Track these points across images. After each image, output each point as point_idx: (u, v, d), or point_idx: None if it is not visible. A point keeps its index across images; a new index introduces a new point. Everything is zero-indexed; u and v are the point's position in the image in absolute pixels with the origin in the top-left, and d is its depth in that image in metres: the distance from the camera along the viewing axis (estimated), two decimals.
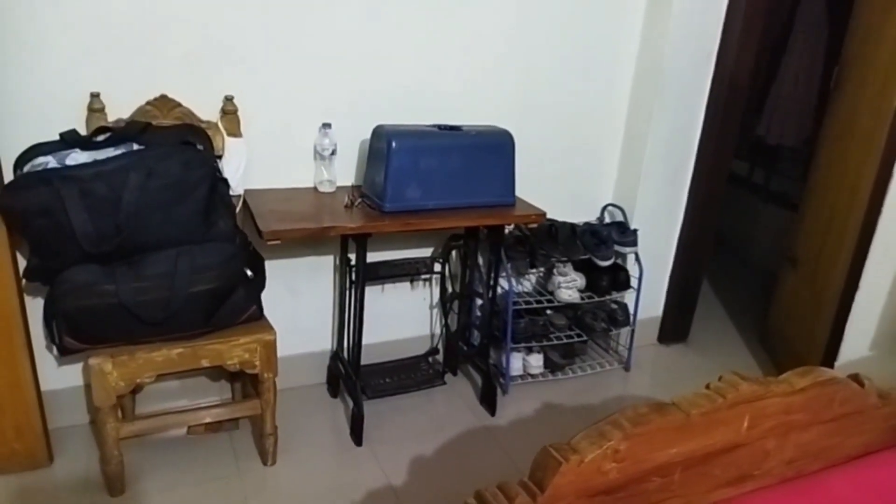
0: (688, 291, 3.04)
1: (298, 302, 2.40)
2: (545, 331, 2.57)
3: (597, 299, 2.67)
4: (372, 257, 2.21)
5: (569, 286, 2.57)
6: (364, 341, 2.22)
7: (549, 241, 2.52)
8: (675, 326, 3.09)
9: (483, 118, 2.36)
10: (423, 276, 2.58)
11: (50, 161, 1.67)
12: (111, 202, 1.64)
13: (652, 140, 2.68)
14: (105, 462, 1.87)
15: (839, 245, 2.50)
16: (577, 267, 2.66)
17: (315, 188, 2.25)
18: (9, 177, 1.74)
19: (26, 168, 1.68)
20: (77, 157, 1.69)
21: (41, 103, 1.85)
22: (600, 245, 2.60)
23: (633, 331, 2.79)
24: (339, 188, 2.25)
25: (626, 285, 2.73)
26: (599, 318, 2.69)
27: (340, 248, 2.32)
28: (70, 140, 1.73)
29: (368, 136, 2.16)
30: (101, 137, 1.74)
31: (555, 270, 2.62)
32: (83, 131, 1.84)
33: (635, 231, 2.71)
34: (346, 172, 2.32)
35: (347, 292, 2.30)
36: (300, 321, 2.41)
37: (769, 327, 3.07)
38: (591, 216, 2.84)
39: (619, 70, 2.67)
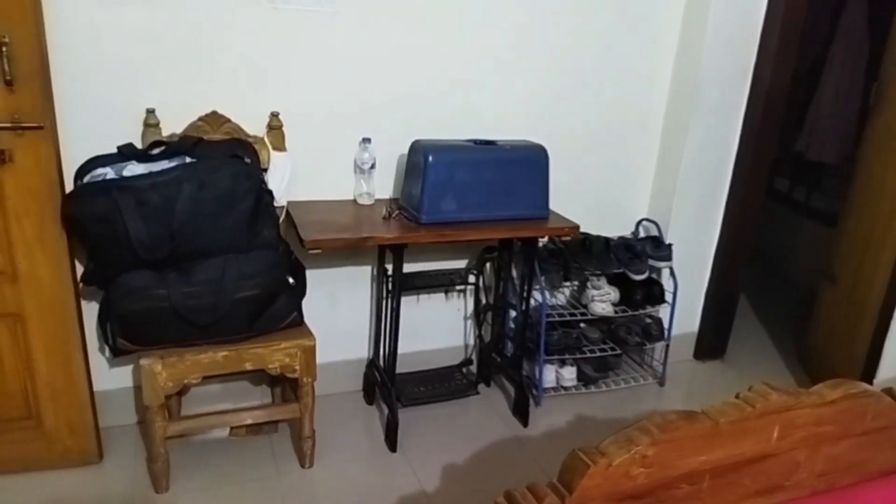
0: (724, 307, 3.02)
1: (337, 310, 2.48)
2: (578, 343, 2.59)
3: (630, 313, 2.68)
4: (408, 268, 2.27)
5: (602, 299, 2.59)
6: (399, 350, 2.28)
7: (582, 254, 2.55)
8: (711, 342, 3.07)
9: (518, 133, 2.41)
10: (458, 288, 2.63)
11: (108, 172, 1.78)
12: (165, 211, 1.74)
13: (687, 155, 2.69)
14: (152, 459, 1.96)
15: (878, 262, 2.47)
16: (611, 281, 2.67)
17: (354, 200, 2.33)
18: (69, 187, 1.86)
19: (86, 178, 1.79)
20: (134, 168, 1.79)
21: (101, 118, 1.97)
22: (634, 259, 2.61)
23: (667, 346, 2.79)
24: (377, 201, 2.32)
25: (660, 300, 2.73)
26: (633, 332, 2.70)
27: (378, 258, 2.38)
28: (127, 153, 1.84)
29: (406, 150, 2.23)
30: (156, 151, 1.85)
31: (588, 284, 2.64)
32: (139, 145, 1.96)
33: (670, 246, 2.71)
34: (384, 185, 2.39)
35: (384, 302, 2.36)
36: (338, 329, 2.48)
37: (807, 344, 3.02)
38: (626, 230, 2.86)
39: (655, 85, 2.70)
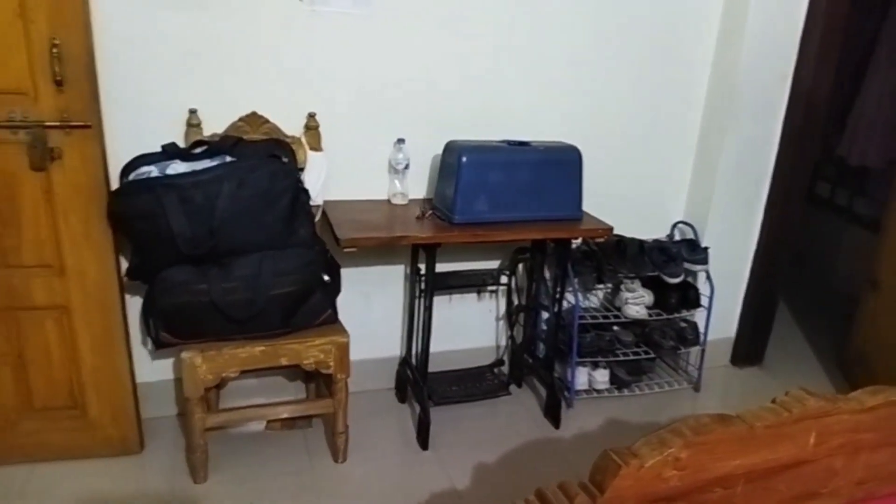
0: (763, 313, 2.97)
1: (370, 309, 2.51)
2: (611, 346, 2.58)
3: (665, 317, 2.65)
4: (441, 268, 2.29)
5: (636, 302, 2.57)
6: (431, 349, 2.30)
7: (616, 256, 2.53)
8: (748, 348, 3.01)
9: (552, 134, 2.41)
10: (490, 288, 2.64)
11: (153, 170, 1.84)
12: (206, 209, 1.79)
13: (725, 158, 2.66)
14: (191, 450, 2.01)
15: None
16: (646, 284, 2.65)
17: (389, 200, 2.35)
18: (114, 184, 1.92)
19: (131, 176, 1.85)
20: (177, 167, 1.85)
21: (145, 118, 2.03)
22: (669, 262, 2.59)
23: (703, 350, 2.75)
24: (411, 201, 2.34)
25: (696, 304, 2.69)
26: (668, 336, 2.67)
27: (411, 257, 2.40)
28: (171, 151, 1.90)
29: (440, 151, 2.25)
30: (198, 150, 1.91)
31: (622, 286, 2.62)
32: (182, 144, 2.02)
33: (706, 249, 2.68)
34: (417, 186, 2.41)
35: (416, 301, 2.38)
36: (371, 327, 2.51)
37: (848, 352, 2.95)
38: (660, 233, 2.83)
39: (692, 86, 2.67)
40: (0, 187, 1.80)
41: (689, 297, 2.69)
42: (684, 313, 2.71)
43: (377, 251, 2.42)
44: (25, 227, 1.84)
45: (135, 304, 2.12)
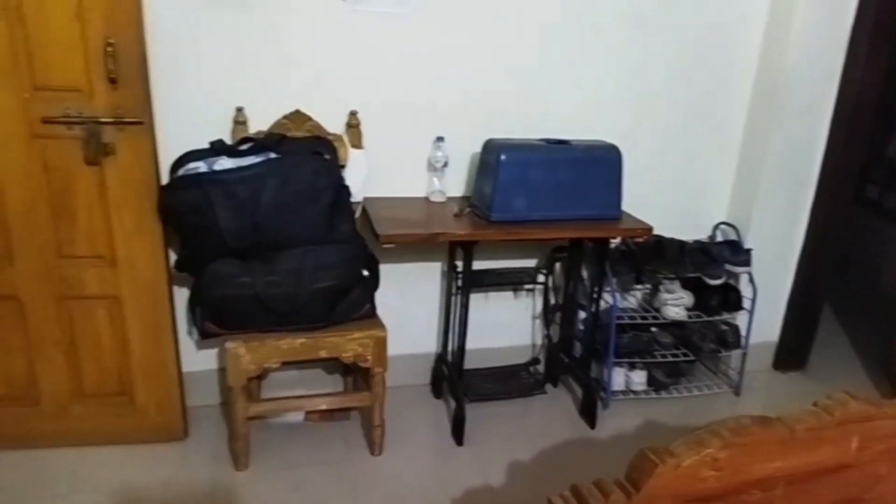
0: (807, 317, 2.90)
1: (407, 305, 2.53)
2: (649, 347, 2.55)
3: (705, 319, 2.61)
4: (477, 266, 2.30)
5: (676, 304, 2.54)
6: (467, 346, 2.31)
7: (655, 256, 2.51)
8: (791, 353, 2.95)
9: (592, 133, 2.40)
10: (527, 287, 2.64)
11: (201, 166, 1.90)
12: (251, 203, 1.84)
13: (770, 158, 2.61)
14: (233, 438, 2.07)
15: None
16: (686, 285, 2.62)
17: (427, 198, 2.38)
18: (164, 179, 1.99)
19: (181, 172, 1.91)
20: (224, 163, 1.90)
21: (194, 115, 2.09)
22: (710, 263, 2.55)
23: (744, 354, 2.70)
24: (448, 198, 2.36)
25: (737, 306, 2.65)
26: (708, 339, 2.63)
27: (448, 255, 2.42)
28: (218, 148, 1.95)
29: (479, 149, 2.26)
30: (244, 147, 1.96)
31: (661, 287, 2.59)
32: (229, 141, 2.07)
33: (749, 251, 2.63)
34: (455, 183, 2.43)
35: (453, 298, 2.40)
36: (408, 323, 2.53)
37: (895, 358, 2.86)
38: (702, 234, 2.79)
39: (736, 85, 2.63)
40: (56, 181, 1.88)
41: (730, 299, 2.64)
42: (725, 316, 2.66)
43: (415, 248, 2.45)
44: (80, 220, 1.92)
45: (181, 295, 2.19)
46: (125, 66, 1.80)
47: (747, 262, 2.61)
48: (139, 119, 1.85)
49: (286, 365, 2.07)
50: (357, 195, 2.18)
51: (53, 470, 2.04)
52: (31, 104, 1.79)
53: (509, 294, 2.65)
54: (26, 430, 2.09)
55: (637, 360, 2.57)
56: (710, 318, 2.63)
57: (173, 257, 2.11)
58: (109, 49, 1.77)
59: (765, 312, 2.75)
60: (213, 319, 1.95)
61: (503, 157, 2.09)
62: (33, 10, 1.72)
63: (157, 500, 1.96)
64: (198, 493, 1.99)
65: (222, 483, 2.04)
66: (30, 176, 1.85)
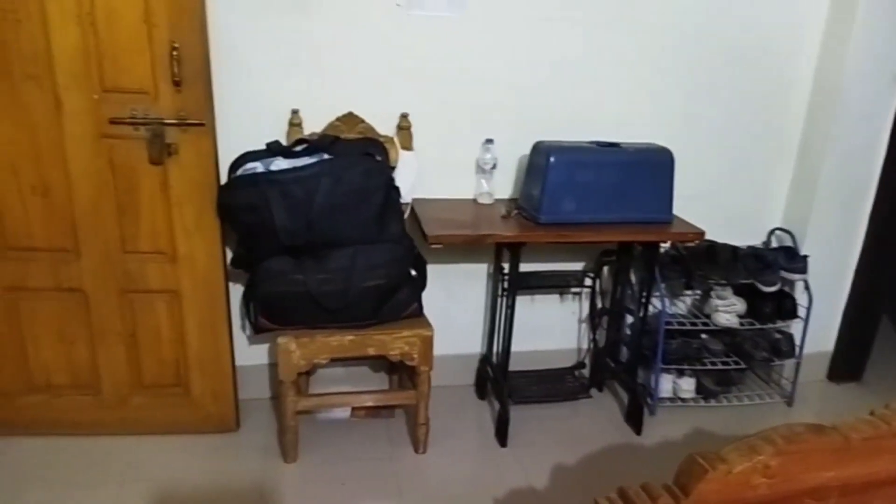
0: (864, 326, 2.81)
1: (453, 305, 2.55)
2: (699, 354, 2.51)
3: (758, 326, 2.55)
4: (524, 268, 2.29)
5: (727, 310, 2.49)
6: (512, 348, 2.31)
7: (707, 262, 2.46)
8: (847, 363, 2.85)
9: (643, 136, 2.38)
10: (573, 290, 2.63)
11: (258, 166, 1.96)
12: (305, 203, 1.89)
13: (828, 162, 2.54)
14: (283, 431, 2.12)
15: None
16: (738, 291, 2.56)
17: (475, 199, 2.39)
18: (223, 178, 2.06)
19: (239, 172, 1.98)
20: (279, 163, 1.96)
21: (252, 117, 2.17)
22: (765, 270, 2.49)
23: (798, 363, 2.63)
24: (496, 200, 2.38)
25: (792, 314, 2.58)
26: (760, 347, 2.57)
27: (495, 256, 2.44)
28: (274, 149, 2.01)
29: (527, 151, 2.27)
30: (299, 148, 2.01)
31: (712, 293, 2.55)
32: (284, 142, 2.13)
33: (805, 257, 2.56)
34: (503, 186, 2.44)
35: (499, 300, 2.41)
36: (453, 324, 2.55)
37: None
38: (755, 240, 2.73)
39: (794, 88, 2.57)
40: (122, 179, 1.97)
41: (784, 307, 2.58)
42: (779, 324, 2.60)
43: (462, 249, 2.47)
44: (143, 217, 2.01)
45: (236, 291, 2.27)
46: (189, 69, 1.88)
47: (803, 270, 2.54)
48: (201, 121, 1.92)
49: (334, 362, 2.11)
50: (406, 196, 2.21)
51: (112, 457, 2.13)
52: (100, 105, 1.89)
53: (555, 297, 2.65)
54: (88, 417, 2.19)
55: (686, 366, 2.53)
56: (763, 326, 2.57)
57: (229, 254, 2.18)
58: (174, 53, 1.84)
59: (820, 321, 2.67)
60: (266, 315, 2.01)
61: (552, 158, 2.09)
62: (104, 16, 1.81)
63: (209, 488, 2.03)
64: (249, 484, 2.05)
65: (272, 474, 2.10)
66: (97, 174, 1.95)
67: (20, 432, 2.16)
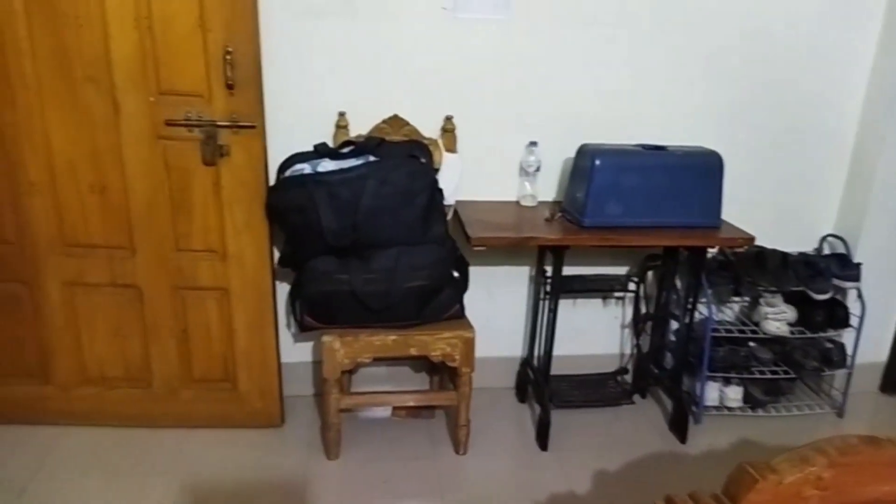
0: None
1: (494, 308, 2.55)
2: (747, 363, 2.45)
3: (809, 335, 2.48)
4: (567, 271, 2.28)
5: (777, 318, 2.43)
6: (554, 352, 2.30)
7: (756, 268, 2.41)
8: None
9: (690, 139, 2.34)
10: (617, 294, 2.60)
11: (306, 168, 1.99)
12: (352, 204, 1.92)
13: (884, 168, 2.46)
14: (326, 428, 2.16)
15: None
16: (788, 299, 2.50)
17: (517, 202, 2.39)
18: (271, 179, 2.10)
19: (287, 173, 2.02)
20: (326, 165, 1.99)
21: (299, 119, 2.21)
22: (816, 277, 2.42)
23: (849, 374, 2.55)
24: (539, 203, 2.37)
25: (844, 323, 2.50)
26: (811, 356, 2.50)
27: (537, 259, 2.43)
28: (321, 151, 2.05)
29: (571, 154, 2.26)
30: (345, 150, 2.04)
31: (761, 300, 2.49)
32: (331, 144, 2.17)
33: (858, 265, 2.48)
34: (546, 188, 2.43)
35: (541, 303, 2.40)
36: (494, 326, 2.55)
37: None
38: (806, 246, 2.65)
39: (848, 90, 2.49)
40: (176, 179, 2.03)
41: (836, 315, 2.50)
42: (830, 333, 2.52)
43: (504, 251, 2.46)
44: (196, 216, 2.07)
45: (282, 289, 2.31)
46: (241, 72, 1.93)
47: (856, 277, 2.47)
48: (253, 123, 1.97)
49: (376, 361, 2.13)
50: (449, 198, 2.22)
51: (161, 449, 2.19)
52: (156, 108, 1.95)
53: (598, 301, 2.62)
54: (139, 410, 2.26)
55: (733, 375, 2.47)
56: (814, 335, 2.50)
57: (276, 253, 2.22)
58: (228, 57, 1.89)
59: (873, 331, 2.59)
60: (312, 313, 2.04)
61: (598, 161, 2.08)
62: (161, 21, 1.88)
63: (255, 482, 2.07)
64: (292, 479, 2.09)
65: (315, 470, 2.13)
66: (153, 174, 2.01)
67: (75, 422, 2.25)
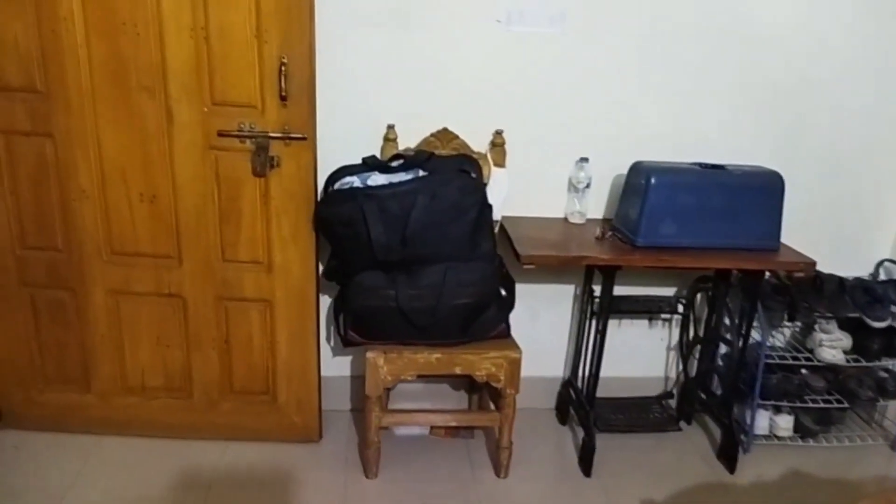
0: None
1: (536, 327, 2.50)
2: (800, 391, 2.36)
3: (864, 364, 2.39)
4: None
5: (832, 345, 2.34)
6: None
7: (812, 293, 2.33)
8: None
9: (746, 157, 2.26)
10: (663, 316, 2.53)
11: (355, 181, 1.96)
12: (401, 218, 1.88)
13: None
14: (366, 445, 2.11)
15: None
16: (842, 325, 2.41)
17: (565, 219, 2.34)
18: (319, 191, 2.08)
19: (336, 185, 1.99)
20: (376, 178, 1.96)
21: (348, 131, 2.19)
22: (874, 304, 2.33)
23: None
24: (587, 220, 2.32)
25: None
26: (865, 386, 2.41)
27: (584, 278, 2.37)
28: (371, 163, 2.02)
29: (622, 171, 2.21)
30: (395, 163, 2.01)
31: (816, 326, 2.40)
32: (379, 156, 2.14)
33: None
34: (595, 205, 2.38)
35: (587, 323, 2.34)
36: (536, 345, 2.46)
37: None
38: (861, 271, 2.55)
39: None
40: (225, 190, 2.01)
41: (893, 344, 2.40)
42: (886, 362, 2.43)
43: (550, 269, 2.41)
44: (243, 227, 2.05)
45: (323, 302, 2.28)
46: (295, 84, 1.91)
47: None
48: (304, 134, 1.95)
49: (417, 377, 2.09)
50: (496, 214, 2.18)
51: (201, 459, 2.17)
52: (209, 118, 1.94)
53: (643, 322, 2.56)
54: (178, 420, 2.24)
55: (784, 403, 2.39)
56: (870, 364, 2.40)
57: (320, 266, 2.20)
58: (283, 68, 1.88)
59: None
60: (356, 328, 2.01)
61: (653, 180, 2.02)
62: (218, 31, 1.87)
63: (293, 499, 2.03)
64: (331, 496, 2.05)
65: (354, 489, 2.09)
66: (203, 184, 2.00)
67: (115, 431, 2.24)
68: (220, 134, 1.94)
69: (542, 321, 2.51)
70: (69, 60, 1.88)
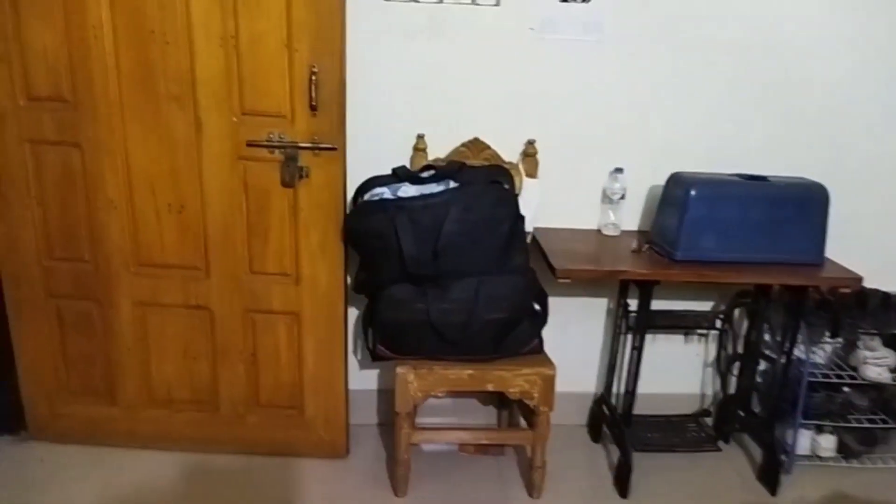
0: None
1: (568, 341, 2.42)
2: (844, 410, 2.27)
3: None
4: None
5: (878, 363, 2.24)
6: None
7: (856, 308, 2.24)
8: None
9: (786, 169, 2.19)
10: (700, 331, 2.45)
11: (385, 192, 1.92)
12: (433, 231, 1.83)
13: None
14: (395, 463, 2.06)
15: None
16: (887, 343, 2.31)
17: (599, 230, 2.28)
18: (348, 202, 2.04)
19: (366, 196, 1.95)
20: (407, 189, 1.92)
21: (378, 141, 2.15)
22: None
23: None
24: (622, 232, 2.25)
25: None
26: None
27: (619, 292, 2.30)
28: (401, 174, 1.97)
29: (658, 182, 2.15)
30: (426, 174, 1.97)
31: (859, 343, 2.30)
32: (408, 167, 2.10)
33: None
34: (629, 217, 2.31)
35: (621, 338, 2.27)
36: (567, 360, 2.38)
37: None
38: None
39: None
40: (254, 201, 1.98)
41: None
42: None
43: (582, 283, 2.35)
44: (271, 239, 2.01)
45: (350, 315, 2.23)
46: (325, 93, 1.87)
47: None
48: (334, 145, 1.91)
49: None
50: (528, 225, 2.13)
51: (226, 473, 2.13)
52: (239, 128, 1.91)
53: (679, 338, 2.48)
54: (204, 434, 2.21)
55: (828, 422, 2.30)
56: None
57: (348, 279, 2.15)
58: (313, 77, 1.84)
59: None
60: (385, 342, 1.96)
61: (693, 192, 1.95)
62: (248, 41, 1.84)
63: None
64: None
65: None
66: (231, 195, 1.97)
67: (140, 445, 2.21)
68: (249, 144, 1.91)
69: (571, 335, 2.44)
70: (97, 69, 1.87)
